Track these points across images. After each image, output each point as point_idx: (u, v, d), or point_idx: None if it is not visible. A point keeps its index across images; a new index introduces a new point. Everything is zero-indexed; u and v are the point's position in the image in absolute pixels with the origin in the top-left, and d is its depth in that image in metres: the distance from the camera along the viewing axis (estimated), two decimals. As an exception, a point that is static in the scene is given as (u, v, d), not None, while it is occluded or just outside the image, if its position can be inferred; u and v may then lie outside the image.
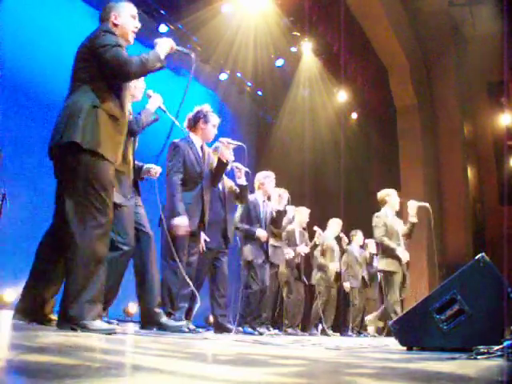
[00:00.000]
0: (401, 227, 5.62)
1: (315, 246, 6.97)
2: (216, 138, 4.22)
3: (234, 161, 4.46)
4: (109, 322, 3.08)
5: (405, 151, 10.23)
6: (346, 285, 7.33)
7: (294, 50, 8.91)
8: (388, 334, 6.62)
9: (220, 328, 4.40)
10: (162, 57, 2.62)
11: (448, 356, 2.21)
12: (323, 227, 7.28)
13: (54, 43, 5.88)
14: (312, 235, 6.85)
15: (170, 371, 1.24)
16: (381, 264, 5.57)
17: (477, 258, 2.89)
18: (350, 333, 7.23)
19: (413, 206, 5.55)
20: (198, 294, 3.83)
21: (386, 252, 5.45)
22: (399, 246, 5.43)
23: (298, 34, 8.51)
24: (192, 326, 3.92)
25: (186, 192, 3.86)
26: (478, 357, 2.04)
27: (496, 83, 10.84)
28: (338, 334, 7.11)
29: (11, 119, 5.27)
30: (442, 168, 10.41)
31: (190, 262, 3.90)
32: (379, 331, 7.29)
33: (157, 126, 3.54)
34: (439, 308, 2.88)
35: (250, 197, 5.10)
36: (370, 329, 5.84)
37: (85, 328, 2.23)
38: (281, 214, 5.41)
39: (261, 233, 5.06)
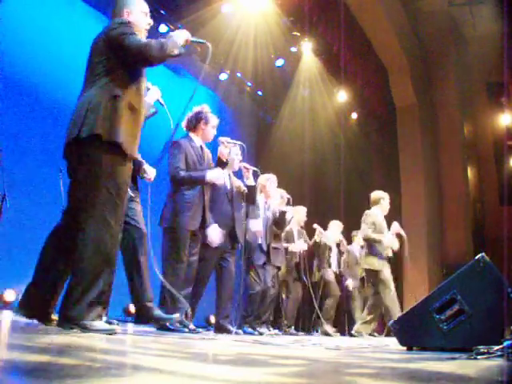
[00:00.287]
0: (391, 236, 5.82)
1: (315, 244, 6.97)
2: (215, 138, 4.23)
3: (241, 161, 4.51)
4: (109, 322, 3.08)
5: (405, 151, 10.22)
6: (349, 282, 7.34)
7: (294, 49, 8.91)
8: (388, 334, 6.62)
9: (221, 329, 4.41)
10: (180, 44, 2.62)
11: (448, 356, 2.21)
12: (323, 227, 7.28)
13: (54, 43, 5.89)
14: (310, 234, 6.86)
15: (170, 371, 1.24)
16: (365, 262, 5.76)
17: (477, 258, 2.89)
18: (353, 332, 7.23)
19: (395, 228, 5.83)
20: (184, 300, 3.78)
21: (371, 249, 5.66)
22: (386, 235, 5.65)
23: (298, 34, 8.51)
24: (192, 326, 3.92)
25: (187, 190, 3.86)
26: (478, 357, 2.04)
27: (496, 83, 10.84)
28: (338, 333, 7.11)
29: (11, 119, 5.27)
30: (442, 168, 10.41)
31: (191, 262, 3.90)
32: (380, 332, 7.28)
33: (156, 121, 3.52)
34: (439, 308, 2.88)
35: None
36: (363, 333, 5.88)
37: (85, 328, 2.23)
38: (284, 215, 5.44)
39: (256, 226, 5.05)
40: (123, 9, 2.67)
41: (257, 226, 5.06)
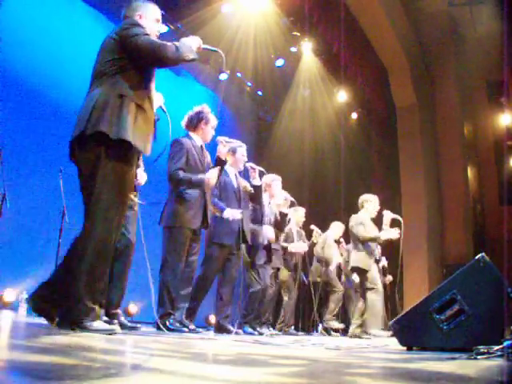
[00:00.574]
0: (387, 230, 5.85)
1: (314, 245, 6.98)
2: (214, 138, 4.23)
3: (247, 161, 4.55)
4: (109, 323, 3.08)
5: (405, 151, 10.21)
6: (354, 277, 7.35)
7: (293, 49, 8.91)
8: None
9: (221, 329, 4.41)
10: (194, 50, 2.62)
11: (448, 356, 2.21)
12: (324, 227, 7.28)
13: (54, 43, 5.89)
14: (308, 234, 6.87)
15: (170, 371, 1.24)
16: (354, 260, 5.79)
17: (477, 258, 2.89)
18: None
19: (387, 216, 5.84)
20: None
21: (360, 247, 5.72)
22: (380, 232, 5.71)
23: (298, 34, 8.51)
24: (192, 326, 3.92)
25: (188, 189, 3.86)
26: (478, 357, 2.04)
27: (496, 83, 10.83)
28: (338, 334, 7.11)
29: (11, 119, 5.27)
30: (441, 168, 10.40)
31: (191, 262, 3.90)
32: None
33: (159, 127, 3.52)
34: (439, 308, 2.88)
35: None
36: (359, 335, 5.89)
37: (85, 328, 2.23)
38: (286, 216, 5.47)
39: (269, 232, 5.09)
40: (136, 12, 2.67)
41: (270, 232, 5.10)
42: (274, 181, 5.41)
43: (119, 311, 3.44)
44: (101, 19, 6.64)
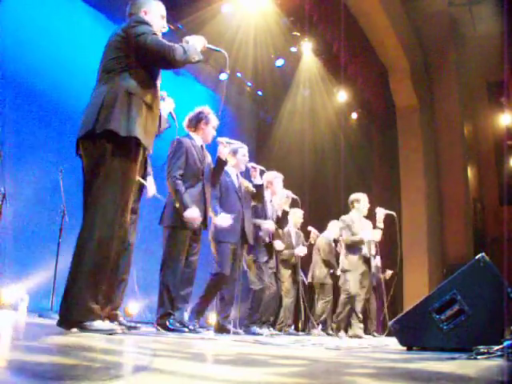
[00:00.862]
0: (369, 230, 5.98)
1: (311, 246, 6.99)
2: (214, 139, 4.24)
3: (248, 161, 4.55)
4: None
5: (405, 151, 10.22)
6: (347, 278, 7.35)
7: (293, 49, 8.90)
8: (389, 334, 6.62)
9: (221, 329, 4.41)
10: (199, 51, 2.62)
11: (448, 356, 2.21)
12: (323, 227, 7.27)
13: (54, 43, 5.89)
14: (306, 236, 6.87)
15: (170, 371, 1.24)
16: (343, 262, 6.00)
17: (477, 257, 2.89)
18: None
19: (380, 213, 5.95)
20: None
21: (351, 251, 5.86)
22: (363, 231, 5.85)
23: (298, 34, 8.50)
24: (192, 326, 3.92)
25: (188, 188, 3.86)
26: (478, 357, 2.04)
27: (496, 83, 10.84)
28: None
29: (11, 119, 5.27)
30: (442, 168, 10.40)
31: (191, 262, 3.90)
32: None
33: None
34: (439, 308, 2.88)
35: None
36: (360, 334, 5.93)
37: (85, 328, 2.22)
38: (287, 214, 5.48)
39: (268, 224, 5.09)
40: (141, 8, 2.67)
41: (269, 224, 5.10)
42: (275, 178, 5.42)
43: (119, 312, 3.44)
44: (101, 19, 6.64)
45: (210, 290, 4.30)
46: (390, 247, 7.20)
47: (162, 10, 2.76)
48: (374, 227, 6.00)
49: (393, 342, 3.49)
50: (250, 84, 9.51)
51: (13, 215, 4.78)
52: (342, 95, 9.84)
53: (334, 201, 9.49)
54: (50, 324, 3.05)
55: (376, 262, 6.66)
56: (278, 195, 5.43)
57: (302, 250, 6.29)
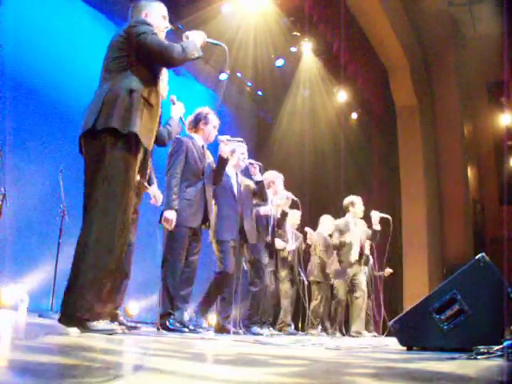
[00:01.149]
0: (364, 232, 6.18)
1: (309, 247, 7.00)
2: (215, 138, 4.24)
3: (246, 158, 4.59)
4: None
5: (405, 151, 10.22)
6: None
7: (293, 49, 8.91)
8: (389, 334, 6.63)
9: (221, 329, 4.41)
10: (198, 47, 2.66)
11: (448, 356, 2.21)
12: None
13: (54, 43, 5.89)
14: (305, 237, 6.88)
15: (170, 371, 1.24)
16: (335, 264, 6.26)
17: (477, 258, 2.89)
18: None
19: (375, 216, 6.08)
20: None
21: (339, 255, 6.15)
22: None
23: (298, 34, 8.51)
24: (192, 326, 3.92)
25: (189, 188, 3.87)
26: (478, 357, 2.04)
27: (496, 83, 10.84)
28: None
29: (11, 119, 5.27)
30: (442, 168, 10.40)
31: (191, 261, 3.89)
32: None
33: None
34: (439, 308, 2.88)
35: None
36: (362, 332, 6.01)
37: (85, 328, 2.22)
38: (286, 215, 5.48)
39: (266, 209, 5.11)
40: (142, 11, 2.71)
41: (266, 209, 5.09)
42: (277, 178, 5.43)
43: (119, 311, 3.44)
44: (101, 19, 6.64)
45: (214, 289, 4.29)
46: (386, 249, 7.21)
47: (163, 10, 2.79)
48: (370, 228, 6.13)
49: (393, 342, 3.49)
50: (249, 84, 9.51)
51: (13, 215, 4.77)
52: (342, 95, 9.84)
53: (334, 201, 9.48)
54: (50, 324, 3.06)
55: (370, 262, 6.76)
56: (278, 195, 5.43)
57: (291, 246, 6.28)
